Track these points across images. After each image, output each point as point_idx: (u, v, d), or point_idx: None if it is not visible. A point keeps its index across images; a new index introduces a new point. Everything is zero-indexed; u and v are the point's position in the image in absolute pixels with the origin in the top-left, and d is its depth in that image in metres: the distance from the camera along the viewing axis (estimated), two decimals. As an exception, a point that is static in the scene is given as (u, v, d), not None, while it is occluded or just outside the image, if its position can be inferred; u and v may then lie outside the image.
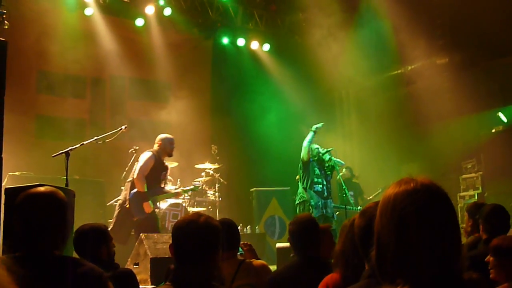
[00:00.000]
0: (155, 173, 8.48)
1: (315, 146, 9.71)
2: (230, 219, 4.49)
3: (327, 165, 9.64)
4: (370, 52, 12.85)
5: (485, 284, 2.89)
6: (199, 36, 13.71)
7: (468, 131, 12.22)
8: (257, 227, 11.51)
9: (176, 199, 9.83)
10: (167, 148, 8.51)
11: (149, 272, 6.44)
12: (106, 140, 8.15)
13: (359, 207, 10.44)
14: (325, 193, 9.53)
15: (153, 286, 6.05)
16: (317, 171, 9.59)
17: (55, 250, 2.70)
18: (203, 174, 11.18)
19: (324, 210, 9.41)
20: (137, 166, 8.50)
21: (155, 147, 8.73)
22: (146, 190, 8.32)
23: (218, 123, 13.41)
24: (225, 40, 14.08)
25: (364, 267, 2.52)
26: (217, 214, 10.71)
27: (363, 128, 14.77)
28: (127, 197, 8.48)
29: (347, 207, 9.54)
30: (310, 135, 9.49)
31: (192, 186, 9.56)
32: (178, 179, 10.63)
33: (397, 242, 1.57)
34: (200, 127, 12.85)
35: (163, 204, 10.07)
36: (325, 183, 9.59)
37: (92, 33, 12.03)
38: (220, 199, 11.04)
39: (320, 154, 9.63)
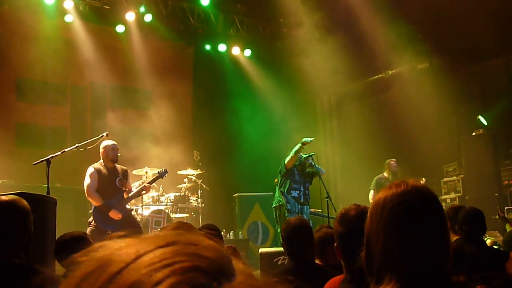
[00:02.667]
0: (108, 183, 8.24)
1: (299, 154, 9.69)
2: (213, 224, 4.47)
3: (307, 171, 9.69)
4: (351, 58, 12.92)
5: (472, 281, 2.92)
6: (180, 42, 13.70)
7: (448, 135, 12.34)
8: (240, 233, 11.50)
9: (147, 192, 9.40)
10: (109, 155, 8.24)
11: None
12: (88, 147, 8.09)
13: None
14: (302, 199, 9.58)
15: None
16: (297, 177, 9.61)
17: (16, 259, 2.70)
18: (185, 180, 11.17)
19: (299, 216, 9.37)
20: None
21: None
22: (102, 202, 8.05)
23: (200, 129, 13.40)
24: (207, 47, 14.09)
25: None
26: (200, 220, 10.70)
27: (344, 133, 14.85)
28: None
29: (323, 214, 9.61)
30: (297, 146, 9.49)
31: (157, 175, 9.22)
32: (161, 185, 10.61)
33: (386, 241, 1.59)
34: (182, 133, 12.84)
35: (146, 211, 10.04)
36: (302, 189, 9.64)
37: (72, 40, 11.98)
38: (202, 205, 11.03)
39: (302, 158, 9.65)
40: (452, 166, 12.43)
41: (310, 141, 9.38)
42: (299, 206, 9.50)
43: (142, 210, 10.08)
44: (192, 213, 10.91)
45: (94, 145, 8.16)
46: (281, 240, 4.25)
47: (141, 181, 10.03)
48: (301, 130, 13.32)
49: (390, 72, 13.69)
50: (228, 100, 13.76)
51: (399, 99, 12.91)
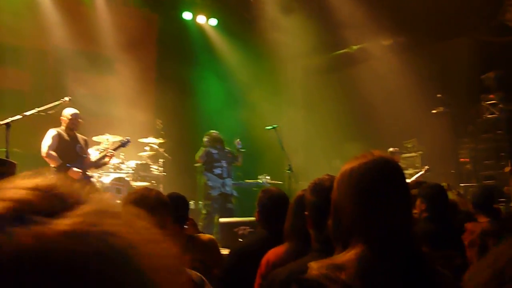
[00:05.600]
0: (67, 148, 8.14)
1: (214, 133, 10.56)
2: (179, 193, 4.45)
3: (227, 149, 10.59)
4: (317, 31, 12.92)
5: (433, 258, 3.00)
6: (145, 8, 13.49)
7: (409, 112, 12.51)
8: (200, 203, 11.51)
9: (110, 160, 9.35)
10: (70, 123, 8.18)
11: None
12: (49, 112, 7.98)
13: (261, 181, 11.13)
14: (225, 174, 10.38)
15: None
16: (216, 156, 10.36)
17: None
18: (147, 148, 11.11)
19: (223, 189, 10.26)
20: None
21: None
22: (61, 162, 7.98)
23: (164, 97, 13.27)
24: (172, 14, 13.90)
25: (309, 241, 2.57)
26: (162, 189, 10.66)
27: (308, 106, 14.93)
28: None
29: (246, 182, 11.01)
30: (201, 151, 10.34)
31: (119, 143, 9.18)
32: (122, 153, 10.53)
33: (354, 208, 1.65)
34: (145, 101, 12.69)
35: (106, 179, 9.97)
36: (225, 165, 10.44)
37: (35, 3, 11.68)
38: (164, 174, 11.00)
39: (218, 136, 10.50)
40: (412, 142, 12.65)
41: (272, 128, 9.75)
42: (221, 180, 10.30)
43: (102, 177, 10.00)
44: (153, 181, 10.86)
45: (55, 110, 8.03)
46: (257, 208, 4.22)
47: (101, 147, 9.96)
48: (265, 101, 13.38)
49: (355, 47, 13.77)
50: (192, 69, 13.65)
51: (363, 74, 13.03)
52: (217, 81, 13.89)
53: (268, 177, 11.30)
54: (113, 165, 10.37)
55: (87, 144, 8.53)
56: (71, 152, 8.17)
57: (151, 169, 10.98)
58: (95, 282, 0.50)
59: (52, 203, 0.56)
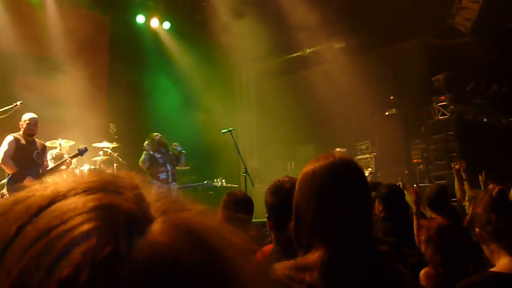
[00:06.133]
0: (25, 154, 8.05)
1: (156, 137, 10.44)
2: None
3: (171, 152, 10.44)
4: (270, 34, 12.98)
5: (391, 257, 3.02)
6: (96, 11, 13.28)
7: (362, 114, 12.67)
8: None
9: (67, 168, 9.19)
10: (25, 128, 8.13)
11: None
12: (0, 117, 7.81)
13: (205, 181, 11.07)
14: (170, 179, 10.26)
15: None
16: (161, 160, 10.24)
17: None
18: (100, 153, 10.93)
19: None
20: None
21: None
22: (17, 169, 7.90)
23: (117, 101, 13.11)
24: (124, 17, 13.73)
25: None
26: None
27: (262, 108, 14.96)
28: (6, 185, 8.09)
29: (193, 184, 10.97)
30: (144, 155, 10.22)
31: (77, 152, 9.06)
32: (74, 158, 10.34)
33: (316, 210, 1.64)
34: (98, 105, 12.47)
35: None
36: (170, 169, 10.30)
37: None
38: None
39: (161, 140, 10.40)
40: (365, 144, 12.81)
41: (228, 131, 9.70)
42: (166, 185, 10.13)
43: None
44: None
45: (7, 114, 7.88)
46: (221, 210, 4.22)
47: (55, 153, 9.77)
48: (220, 104, 13.35)
49: (308, 50, 13.87)
50: (146, 73, 13.53)
51: (316, 77, 13.14)
52: (171, 84, 13.81)
53: (224, 180, 11.26)
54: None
55: (44, 150, 8.46)
56: (28, 158, 8.08)
57: (105, 174, 10.78)
58: None
59: (144, 209, 0.56)
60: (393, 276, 1.62)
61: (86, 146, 9.02)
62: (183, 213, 0.57)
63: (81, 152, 8.89)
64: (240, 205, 4.09)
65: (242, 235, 0.59)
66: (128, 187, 0.58)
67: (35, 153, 8.18)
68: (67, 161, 8.69)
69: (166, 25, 14.12)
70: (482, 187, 6.40)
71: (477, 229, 2.56)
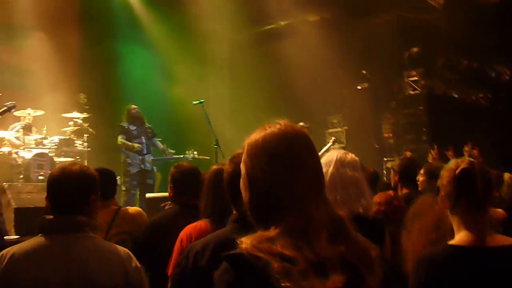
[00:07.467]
0: None
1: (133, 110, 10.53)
2: (108, 168, 4.41)
3: (147, 125, 10.59)
4: (243, 6, 12.89)
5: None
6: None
7: (334, 87, 12.70)
8: (118, 178, 11.31)
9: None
10: None
11: (13, 223, 6.21)
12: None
13: (182, 156, 11.01)
14: (145, 151, 10.36)
15: (17, 236, 5.81)
16: (135, 132, 10.36)
17: None
18: (70, 123, 10.82)
19: (142, 165, 10.30)
20: None
21: None
22: None
23: (87, 71, 12.92)
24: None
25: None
26: (86, 164, 10.42)
27: (234, 80, 14.92)
28: None
29: (168, 157, 10.87)
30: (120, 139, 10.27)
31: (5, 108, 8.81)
32: (44, 127, 10.24)
33: (271, 181, 1.60)
34: (68, 75, 12.30)
35: (27, 154, 9.68)
36: (144, 140, 10.43)
37: None
38: (89, 149, 10.75)
39: (137, 113, 10.47)
40: (337, 117, 12.88)
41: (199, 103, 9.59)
42: (140, 157, 10.30)
43: (22, 152, 9.70)
44: (78, 157, 10.61)
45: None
46: (170, 184, 4.27)
47: (23, 123, 9.70)
48: (192, 75, 13.27)
49: (282, 23, 13.81)
50: (117, 43, 13.34)
51: (289, 50, 13.10)
52: (143, 55, 13.66)
53: (196, 153, 11.23)
54: (35, 140, 10.06)
55: None
56: None
57: (75, 144, 10.70)
58: None
59: None
60: (356, 239, 1.61)
61: (14, 102, 8.70)
62: None
63: (9, 108, 8.56)
64: (186, 176, 4.20)
65: None
66: None
67: None
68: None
69: (139, -6, 13.91)
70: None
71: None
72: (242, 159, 1.73)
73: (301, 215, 1.55)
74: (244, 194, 1.70)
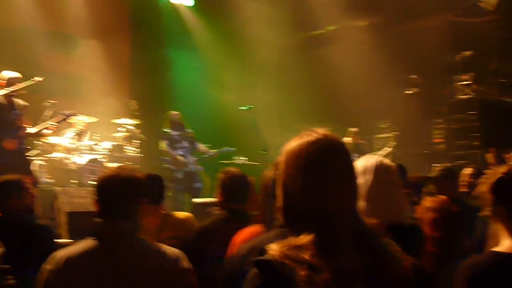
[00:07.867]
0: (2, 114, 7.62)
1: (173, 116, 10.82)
2: (156, 173, 4.48)
3: (189, 131, 10.82)
4: (291, 12, 12.91)
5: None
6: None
7: (383, 92, 12.58)
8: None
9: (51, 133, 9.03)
10: (5, 87, 7.66)
11: (66, 227, 6.36)
12: (21, 92, 7.84)
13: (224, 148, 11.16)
14: (187, 155, 10.57)
15: (71, 240, 5.95)
16: (177, 137, 10.57)
17: None
18: (122, 129, 11.01)
19: (186, 168, 10.51)
20: None
21: None
22: None
23: (138, 78, 13.15)
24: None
25: None
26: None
27: (283, 87, 14.91)
28: None
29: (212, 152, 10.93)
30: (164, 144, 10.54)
31: (63, 117, 8.68)
32: (98, 134, 10.46)
33: (303, 190, 1.63)
34: (119, 82, 12.53)
35: (80, 160, 9.88)
36: (187, 144, 10.65)
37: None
38: (141, 155, 10.92)
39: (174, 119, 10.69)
40: (386, 123, 12.74)
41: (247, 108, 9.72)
42: (184, 160, 10.48)
43: (76, 158, 9.92)
44: (129, 163, 10.77)
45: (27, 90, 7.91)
46: (218, 189, 4.28)
47: (76, 129, 9.95)
48: (240, 82, 13.34)
49: (330, 28, 13.77)
50: (166, 50, 13.57)
51: (337, 55, 13.03)
52: (192, 61, 13.83)
53: (245, 159, 11.25)
54: (87, 146, 10.28)
55: (26, 110, 8.02)
56: (4, 118, 7.67)
57: (127, 150, 10.88)
58: None
59: None
60: (383, 246, 1.62)
61: (73, 111, 8.89)
62: None
63: (66, 117, 8.71)
64: (236, 183, 4.20)
65: None
66: None
67: (13, 113, 7.78)
68: (51, 126, 8.37)
69: (189, 1, 14.08)
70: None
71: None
72: (279, 165, 1.76)
73: (330, 225, 1.57)
74: (278, 200, 1.73)
